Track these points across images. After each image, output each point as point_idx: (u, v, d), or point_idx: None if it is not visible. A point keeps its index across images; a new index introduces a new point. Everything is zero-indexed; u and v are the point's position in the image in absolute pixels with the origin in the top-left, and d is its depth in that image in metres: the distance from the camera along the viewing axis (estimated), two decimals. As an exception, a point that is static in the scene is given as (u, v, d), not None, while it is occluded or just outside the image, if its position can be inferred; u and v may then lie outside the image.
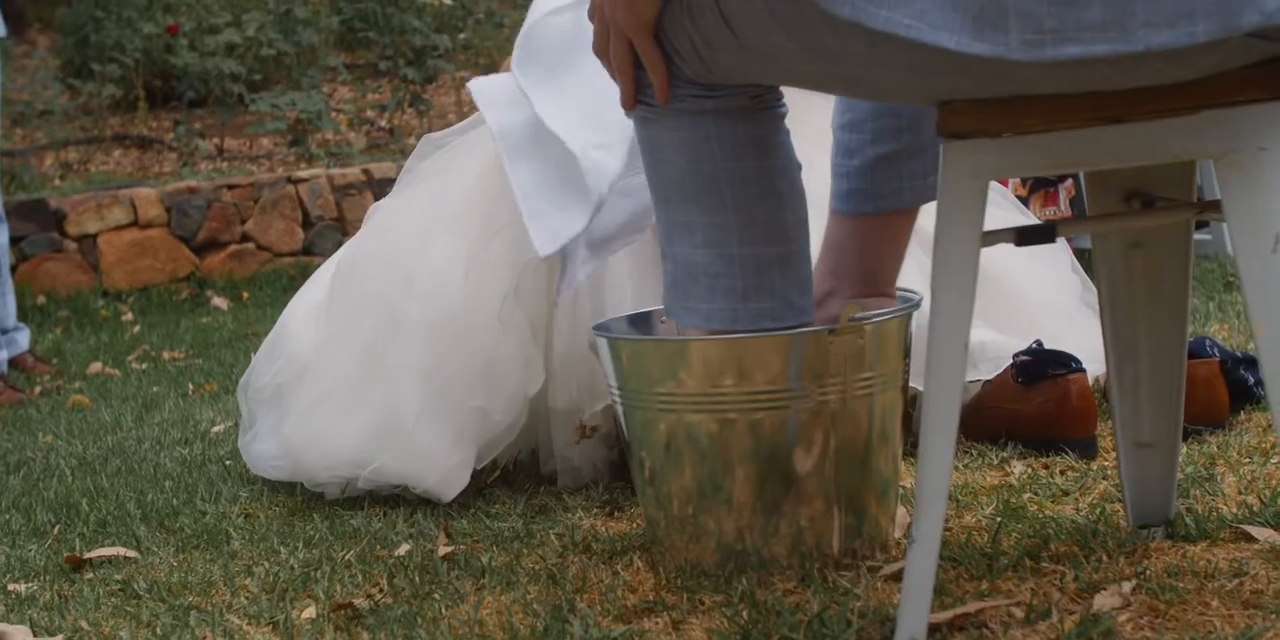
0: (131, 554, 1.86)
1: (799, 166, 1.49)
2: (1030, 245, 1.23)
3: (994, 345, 2.01)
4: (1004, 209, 2.19)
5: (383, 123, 7.27)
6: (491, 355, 1.91)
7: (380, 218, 2.18)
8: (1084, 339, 2.09)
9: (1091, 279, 1.77)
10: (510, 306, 1.91)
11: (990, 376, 2.01)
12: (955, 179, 1.19)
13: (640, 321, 1.71)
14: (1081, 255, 3.60)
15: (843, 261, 1.62)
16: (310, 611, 1.54)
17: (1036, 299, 2.18)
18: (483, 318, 1.92)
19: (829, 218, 1.64)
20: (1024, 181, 3.43)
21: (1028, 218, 2.29)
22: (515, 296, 1.91)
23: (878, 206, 1.58)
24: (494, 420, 1.92)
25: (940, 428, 1.21)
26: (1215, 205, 1.20)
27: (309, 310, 2.21)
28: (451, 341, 1.93)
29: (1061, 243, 2.29)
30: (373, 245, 2.11)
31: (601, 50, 1.43)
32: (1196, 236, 3.64)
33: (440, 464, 1.90)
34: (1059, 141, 1.15)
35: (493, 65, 7.75)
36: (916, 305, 1.58)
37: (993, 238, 1.22)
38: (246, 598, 1.61)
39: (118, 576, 1.76)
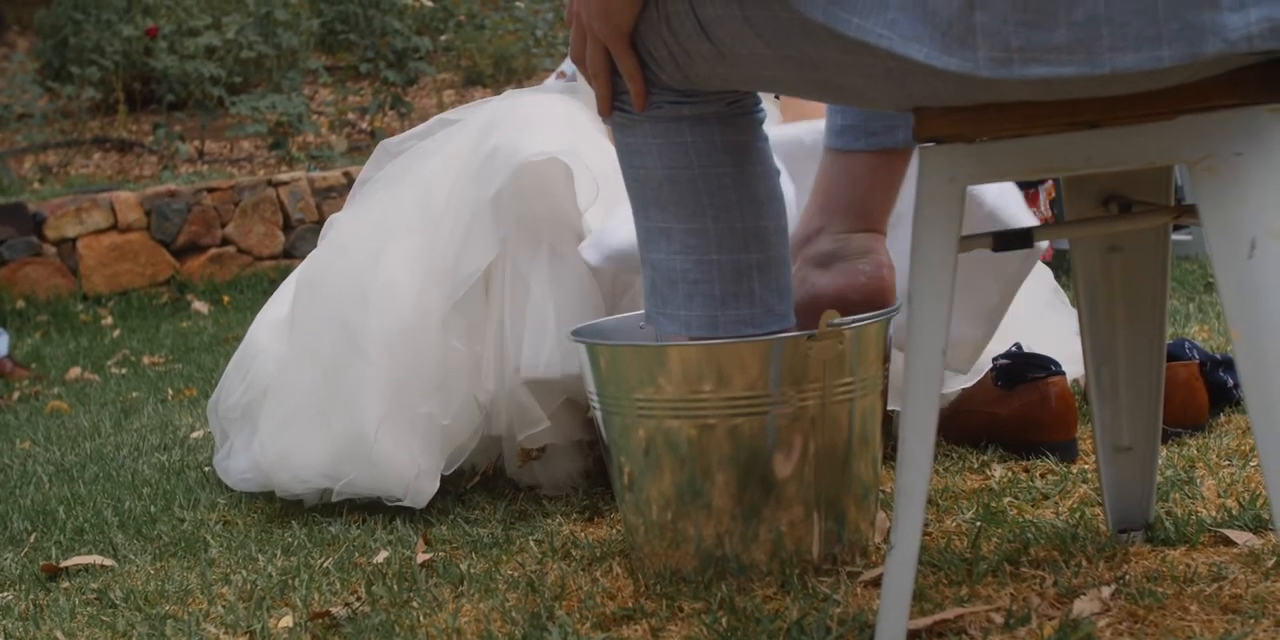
0: (108, 562, 1.85)
1: (777, 172, 1.49)
2: (1008, 250, 1.22)
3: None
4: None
5: (364, 125, 7.26)
6: (442, 363, 1.91)
7: (336, 232, 2.16)
8: (1059, 337, 2.09)
9: (1069, 281, 1.77)
10: (454, 314, 1.90)
11: (972, 384, 2.01)
12: (931, 184, 1.19)
13: (620, 327, 1.70)
14: (1061, 256, 3.62)
15: (834, 198, 1.61)
16: (288, 620, 1.53)
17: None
18: (431, 326, 1.92)
19: (823, 156, 1.63)
20: (1004, 183, 3.43)
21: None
22: (457, 306, 1.89)
23: (870, 143, 1.58)
24: (445, 425, 1.91)
25: (919, 432, 1.20)
26: (1192, 210, 1.19)
27: (274, 326, 2.20)
28: (406, 352, 1.92)
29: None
30: (330, 260, 2.09)
31: (578, 56, 1.42)
32: (1176, 238, 3.62)
33: (405, 475, 1.89)
34: (1035, 146, 1.15)
35: (474, 67, 7.75)
36: (896, 310, 1.58)
37: (970, 243, 1.22)
38: (223, 606, 1.60)
39: (94, 585, 1.75)
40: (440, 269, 1.94)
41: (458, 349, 1.90)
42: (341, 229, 2.15)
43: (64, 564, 1.85)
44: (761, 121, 1.47)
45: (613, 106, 1.43)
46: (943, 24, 1.07)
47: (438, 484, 1.91)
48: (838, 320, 1.46)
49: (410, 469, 1.89)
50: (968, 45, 1.06)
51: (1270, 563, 1.39)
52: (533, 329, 1.87)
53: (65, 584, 1.78)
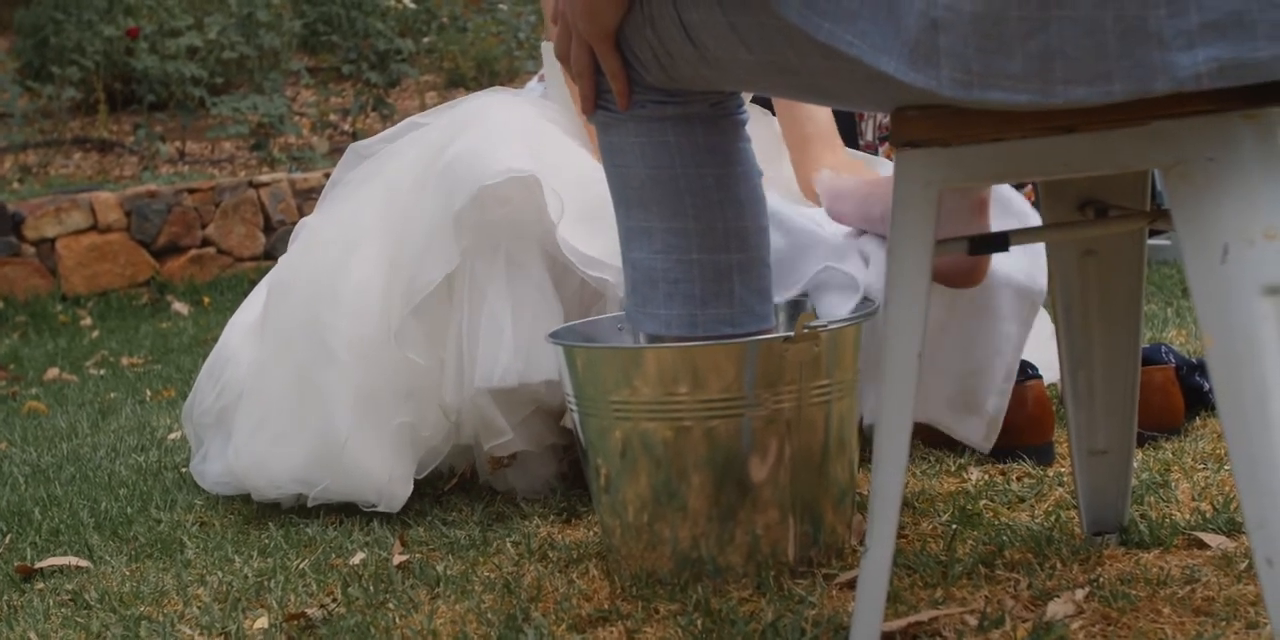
0: (84, 563, 1.84)
1: (759, 174, 1.49)
2: (983, 254, 1.23)
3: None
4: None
5: (346, 126, 7.24)
6: (411, 369, 1.89)
7: (307, 234, 2.14)
8: (1035, 341, 2.09)
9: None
10: (407, 323, 1.87)
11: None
12: (908, 188, 1.19)
13: (598, 329, 1.70)
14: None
15: None
16: (263, 621, 1.53)
17: None
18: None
19: None
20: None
21: None
22: (414, 315, 1.87)
23: None
24: (423, 435, 1.90)
25: (894, 435, 1.21)
26: (1169, 215, 1.20)
27: (247, 330, 2.18)
28: (377, 358, 1.91)
29: None
30: (300, 262, 2.08)
31: (562, 54, 1.43)
32: (1155, 242, 3.62)
33: (378, 481, 1.89)
34: (1010, 151, 1.15)
35: (457, 69, 7.74)
36: (873, 313, 1.58)
37: (946, 247, 1.22)
38: (199, 607, 1.60)
39: (69, 586, 1.74)
40: (404, 276, 1.93)
41: (415, 361, 1.88)
42: (312, 231, 2.14)
43: (39, 565, 1.84)
44: (744, 123, 1.47)
45: (596, 105, 1.43)
46: (910, 40, 1.08)
47: (411, 489, 1.91)
48: (813, 323, 1.46)
49: (383, 475, 1.89)
50: (932, 64, 1.07)
51: (1243, 566, 1.40)
52: (488, 339, 1.85)
53: (40, 585, 1.78)
